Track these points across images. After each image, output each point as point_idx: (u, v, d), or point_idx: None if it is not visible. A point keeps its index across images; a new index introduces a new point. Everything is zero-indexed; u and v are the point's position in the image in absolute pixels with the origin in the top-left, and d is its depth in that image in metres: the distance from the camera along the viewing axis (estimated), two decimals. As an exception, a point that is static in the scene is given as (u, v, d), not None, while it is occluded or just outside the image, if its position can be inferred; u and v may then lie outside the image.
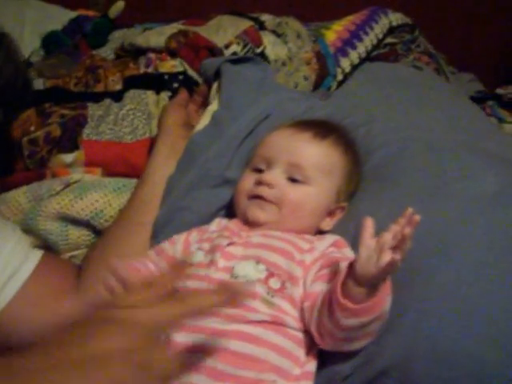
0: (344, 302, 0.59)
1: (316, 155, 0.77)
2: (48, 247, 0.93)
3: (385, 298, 0.60)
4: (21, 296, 0.77)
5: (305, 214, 0.75)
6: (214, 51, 1.11)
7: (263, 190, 0.75)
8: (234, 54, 1.11)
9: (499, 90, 1.63)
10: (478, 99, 1.45)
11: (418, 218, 0.56)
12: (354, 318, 0.59)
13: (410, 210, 0.57)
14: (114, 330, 0.47)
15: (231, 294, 0.53)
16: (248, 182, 0.78)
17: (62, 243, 0.93)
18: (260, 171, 0.78)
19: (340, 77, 1.24)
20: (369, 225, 0.59)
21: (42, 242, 0.94)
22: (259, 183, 0.76)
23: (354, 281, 0.59)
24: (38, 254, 0.83)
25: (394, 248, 0.57)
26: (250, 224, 0.76)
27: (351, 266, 0.60)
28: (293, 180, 0.76)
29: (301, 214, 0.75)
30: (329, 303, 0.62)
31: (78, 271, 0.85)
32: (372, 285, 0.58)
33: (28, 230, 0.93)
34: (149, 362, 0.47)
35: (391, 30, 1.46)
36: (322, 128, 0.80)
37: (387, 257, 0.56)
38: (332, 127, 0.82)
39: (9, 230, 0.83)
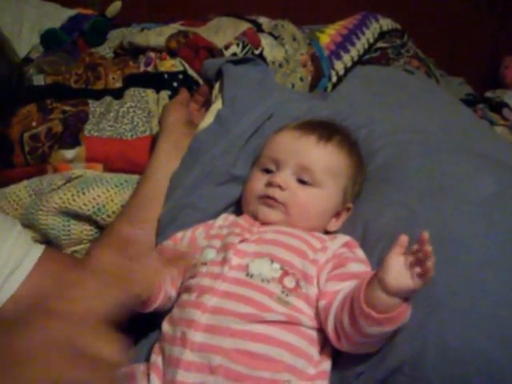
0: (368, 311, 0.60)
1: (324, 158, 0.78)
2: (49, 242, 0.94)
3: (407, 310, 0.61)
4: (23, 290, 0.77)
5: (312, 216, 0.76)
6: (213, 52, 1.12)
7: (274, 192, 0.75)
8: (234, 54, 1.13)
9: (488, 94, 1.67)
10: (469, 102, 1.49)
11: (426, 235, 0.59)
12: (377, 327, 0.61)
13: (425, 234, 0.59)
14: (52, 321, 0.47)
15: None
16: (258, 182, 0.78)
17: (64, 238, 0.93)
18: (269, 172, 0.79)
19: (334, 79, 1.28)
20: (403, 242, 0.61)
21: (42, 237, 0.95)
22: (270, 184, 0.76)
23: (385, 292, 0.60)
24: (39, 248, 0.83)
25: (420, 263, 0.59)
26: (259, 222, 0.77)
27: (375, 277, 0.61)
28: (302, 182, 0.77)
29: (308, 215, 0.76)
30: (350, 310, 0.63)
31: (81, 266, 0.85)
32: (406, 296, 0.60)
33: (28, 224, 0.94)
34: (90, 350, 0.46)
35: (382, 35, 1.50)
36: (326, 130, 0.81)
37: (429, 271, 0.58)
38: (335, 129, 0.84)
39: (9, 224, 0.83)
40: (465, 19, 1.97)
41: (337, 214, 0.80)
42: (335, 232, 0.79)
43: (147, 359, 0.71)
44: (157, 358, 0.69)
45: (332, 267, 0.69)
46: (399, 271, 0.60)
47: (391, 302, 0.60)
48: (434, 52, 1.66)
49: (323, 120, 0.86)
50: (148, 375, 0.68)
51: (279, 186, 0.76)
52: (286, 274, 0.68)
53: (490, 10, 1.95)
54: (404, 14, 1.67)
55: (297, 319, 0.66)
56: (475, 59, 1.98)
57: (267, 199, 0.76)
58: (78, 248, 0.95)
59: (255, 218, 0.77)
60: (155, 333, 0.77)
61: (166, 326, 0.71)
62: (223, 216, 0.82)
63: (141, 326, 0.81)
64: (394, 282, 0.59)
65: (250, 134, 0.89)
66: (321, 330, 0.68)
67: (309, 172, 0.77)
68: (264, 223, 0.76)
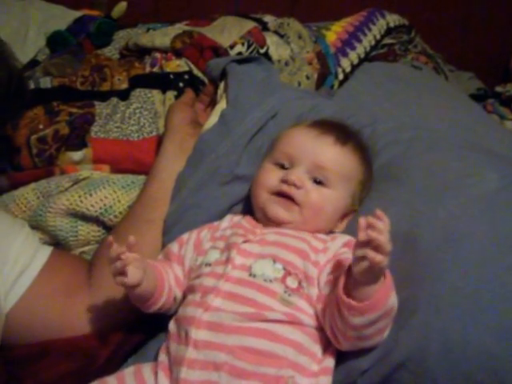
0: (348, 301, 0.61)
1: (339, 160, 0.78)
2: (57, 244, 0.94)
3: (387, 295, 0.62)
4: (32, 291, 0.79)
5: (323, 217, 0.77)
6: (218, 51, 1.12)
7: (290, 190, 0.75)
8: (239, 54, 1.12)
9: (498, 88, 1.65)
10: (479, 97, 1.47)
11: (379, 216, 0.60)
12: (361, 316, 0.62)
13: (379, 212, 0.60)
14: None
15: None
16: (271, 176, 0.78)
17: (72, 239, 0.94)
18: (282, 167, 0.78)
19: (341, 76, 1.27)
20: (362, 225, 0.61)
21: (50, 239, 0.95)
22: (285, 181, 0.76)
23: (354, 280, 0.61)
24: (47, 250, 0.84)
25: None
26: (267, 220, 0.77)
27: (349, 267, 0.62)
28: (315, 182, 0.76)
29: (321, 216, 0.76)
30: (336, 304, 0.64)
31: (89, 267, 0.86)
32: (374, 277, 0.61)
33: (37, 226, 0.94)
34: None
35: (389, 31, 1.49)
36: (343, 133, 0.81)
37: (377, 257, 0.58)
38: (351, 133, 0.83)
39: (17, 226, 0.84)
40: (474, 13, 1.95)
41: (343, 216, 0.80)
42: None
43: (156, 359, 0.72)
44: (164, 357, 0.70)
45: (331, 269, 0.69)
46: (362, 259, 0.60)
47: (365, 289, 0.61)
48: (443, 47, 1.65)
49: (338, 122, 0.85)
50: (156, 373, 0.69)
51: (295, 185, 0.75)
52: (288, 274, 0.69)
53: (499, 4, 1.93)
54: (411, 10, 1.66)
55: (299, 319, 0.67)
56: (485, 54, 1.96)
57: (282, 198, 0.76)
58: (86, 249, 0.95)
59: (263, 215, 0.77)
60: (164, 334, 0.78)
61: (171, 326, 0.72)
62: (228, 217, 0.82)
63: (150, 327, 0.82)
64: (356, 268, 0.60)
65: (253, 133, 0.89)
66: (323, 329, 0.68)
67: (323, 171, 0.76)
68: (270, 222, 0.76)
